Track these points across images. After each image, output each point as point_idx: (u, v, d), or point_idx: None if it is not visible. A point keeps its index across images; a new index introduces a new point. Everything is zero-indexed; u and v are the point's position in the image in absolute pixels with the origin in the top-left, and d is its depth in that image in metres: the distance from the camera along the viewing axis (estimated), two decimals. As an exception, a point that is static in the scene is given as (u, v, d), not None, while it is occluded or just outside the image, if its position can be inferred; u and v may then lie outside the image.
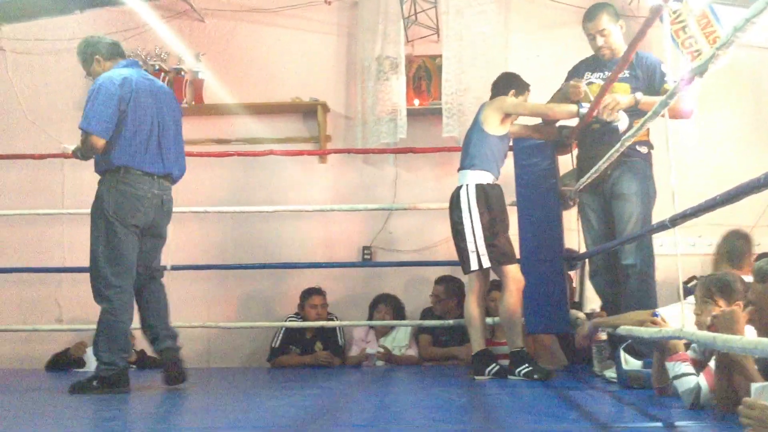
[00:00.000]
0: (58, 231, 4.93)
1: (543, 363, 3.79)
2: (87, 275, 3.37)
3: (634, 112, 3.46)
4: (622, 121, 3.45)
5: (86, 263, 3.38)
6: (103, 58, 3.43)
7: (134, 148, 3.30)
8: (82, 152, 3.38)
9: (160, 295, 3.55)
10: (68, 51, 5.20)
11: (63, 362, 4.57)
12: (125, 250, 3.29)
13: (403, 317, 4.63)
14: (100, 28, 5.18)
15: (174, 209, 4.37)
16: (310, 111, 5.12)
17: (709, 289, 2.43)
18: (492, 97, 3.74)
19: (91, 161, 3.42)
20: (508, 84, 3.73)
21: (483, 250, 3.49)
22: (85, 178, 3.88)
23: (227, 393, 3.40)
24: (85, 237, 3.42)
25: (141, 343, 4.71)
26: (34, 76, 5.28)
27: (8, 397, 3.32)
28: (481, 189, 3.54)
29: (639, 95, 3.48)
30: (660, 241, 3.73)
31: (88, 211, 3.40)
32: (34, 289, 5.01)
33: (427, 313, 4.58)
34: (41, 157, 4.70)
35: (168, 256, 4.40)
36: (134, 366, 4.49)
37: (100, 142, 3.23)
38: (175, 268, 4.47)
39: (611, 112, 3.43)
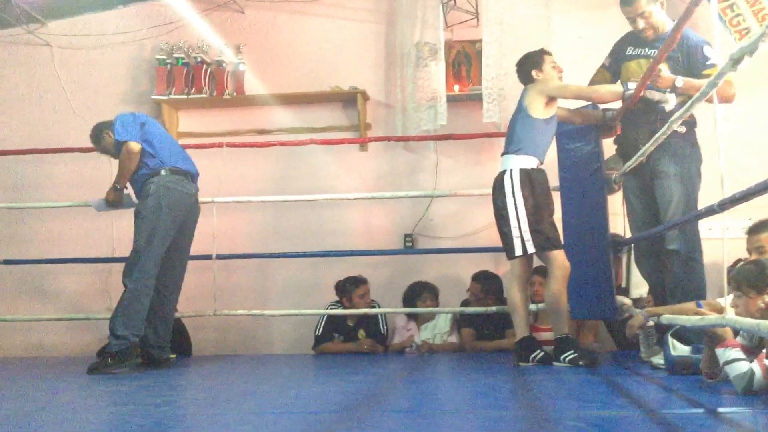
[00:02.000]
0: (106, 223, 5.05)
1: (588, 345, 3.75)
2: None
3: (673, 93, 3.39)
4: (670, 102, 3.38)
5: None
6: (111, 131, 3.91)
7: (168, 151, 3.84)
8: (122, 170, 3.82)
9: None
10: (112, 45, 5.33)
11: None
12: (164, 243, 3.74)
13: (439, 304, 4.62)
14: (142, 22, 5.30)
15: (218, 199, 4.59)
16: (349, 99, 5.13)
17: (738, 282, 2.42)
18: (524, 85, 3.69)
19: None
20: (526, 68, 3.69)
21: (528, 236, 3.46)
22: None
23: (272, 379, 3.46)
24: (132, 228, 3.71)
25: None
26: (80, 70, 5.39)
27: (62, 383, 3.42)
28: (525, 173, 3.50)
29: (679, 80, 3.39)
30: (708, 225, 3.64)
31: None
32: (85, 279, 5.14)
33: (468, 305, 4.56)
34: (89, 150, 4.81)
35: (212, 245, 4.49)
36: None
37: (136, 146, 3.74)
38: (219, 257, 4.55)
39: (663, 85, 3.35)
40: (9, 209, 5.00)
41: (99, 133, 4.01)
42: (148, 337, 3.83)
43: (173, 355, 4.23)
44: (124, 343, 3.61)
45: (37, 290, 5.20)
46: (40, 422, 2.29)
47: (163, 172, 3.79)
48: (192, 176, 3.96)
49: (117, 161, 3.88)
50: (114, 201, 3.96)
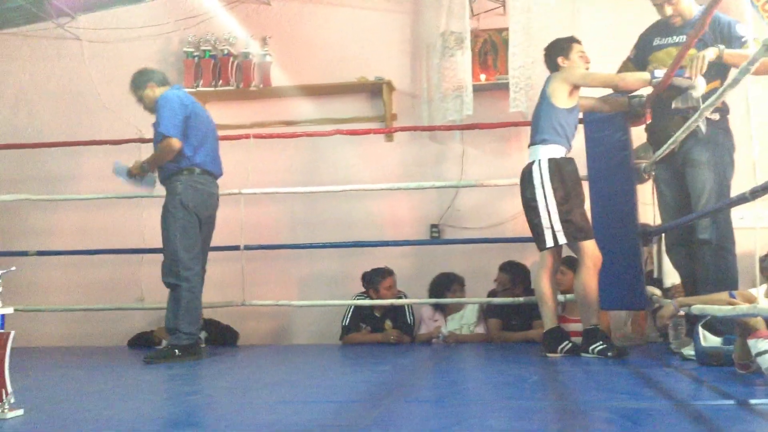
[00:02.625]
0: (136, 214, 5.11)
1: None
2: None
3: (719, 70, 3.31)
4: (698, 88, 3.32)
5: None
6: (156, 85, 3.94)
7: (203, 151, 3.87)
8: (157, 158, 3.84)
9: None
10: (141, 39, 5.38)
11: (144, 341, 4.75)
12: (197, 238, 3.84)
13: (465, 295, 4.61)
14: (170, 15, 5.34)
15: (245, 191, 4.62)
16: (375, 90, 5.13)
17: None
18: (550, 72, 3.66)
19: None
20: (552, 56, 3.65)
21: (558, 227, 3.43)
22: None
23: (300, 369, 3.48)
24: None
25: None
26: (110, 64, 5.45)
27: (95, 372, 3.48)
28: (554, 163, 3.47)
29: (722, 47, 3.31)
30: (740, 214, 3.58)
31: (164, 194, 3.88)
32: (116, 270, 5.22)
33: (494, 295, 4.54)
34: (118, 142, 4.89)
35: (240, 236, 4.53)
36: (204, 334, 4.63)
37: (178, 144, 3.75)
38: (247, 247, 4.58)
39: (698, 71, 3.28)
40: (42, 201, 5.08)
41: (142, 80, 3.97)
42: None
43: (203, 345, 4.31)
44: (192, 337, 3.75)
45: (69, 281, 5.29)
46: (73, 410, 2.33)
47: (192, 171, 3.84)
48: (217, 176, 4.02)
49: (150, 146, 3.89)
50: (136, 176, 3.95)
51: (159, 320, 4.84)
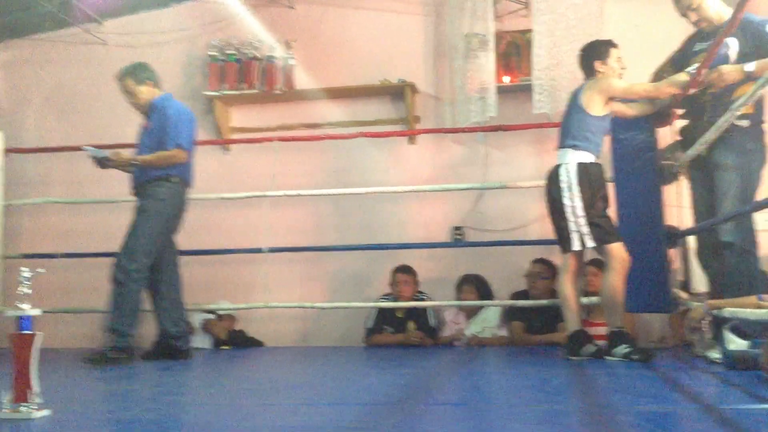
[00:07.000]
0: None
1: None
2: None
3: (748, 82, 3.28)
4: (731, 47, 3.28)
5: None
6: (153, 85, 3.96)
7: (189, 163, 3.90)
8: (157, 164, 3.80)
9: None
10: (166, 43, 5.44)
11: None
12: (159, 246, 3.82)
13: (490, 297, 4.59)
14: (195, 20, 5.40)
15: (269, 193, 4.63)
16: (398, 92, 5.13)
17: None
18: (586, 77, 3.62)
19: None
20: (589, 59, 3.60)
21: (585, 230, 3.40)
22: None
23: (324, 371, 3.49)
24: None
25: (240, 324, 4.92)
26: (136, 68, 5.50)
27: (111, 373, 3.52)
28: (583, 168, 3.44)
29: (748, 66, 3.28)
30: (765, 217, 3.52)
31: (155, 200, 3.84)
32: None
33: (518, 298, 4.52)
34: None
35: (265, 239, 4.55)
36: (229, 346, 4.66)
37: (186, 159, 3.82)
38: (272, 250, 4.62)
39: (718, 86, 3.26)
40: (68, 204, 5.15)
41: (143, 75, 3.95)
42: (170, 331, 3.89)
43: (227, 346, 4.32)
44: (131, 339, 3.70)
45: (95, 282, 5.32)
46: (99, 410, 2.36)
47: (175, 180, 3.85)
48: (191, 186, 4.01)
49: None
50: (114, 168, 3.89)
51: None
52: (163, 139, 3.81)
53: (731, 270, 3.35)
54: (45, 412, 2.07)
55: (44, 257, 4.85)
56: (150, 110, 3.95)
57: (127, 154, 3.88)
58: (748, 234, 3.35)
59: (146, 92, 3.94)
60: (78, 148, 5.09)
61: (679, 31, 3.82)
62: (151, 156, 3.83)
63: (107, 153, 3.88)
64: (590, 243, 3.42)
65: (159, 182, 3.83)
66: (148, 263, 3.77)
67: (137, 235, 3.76)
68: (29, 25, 5.53)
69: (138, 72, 3.97)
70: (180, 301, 3.99)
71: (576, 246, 3.43)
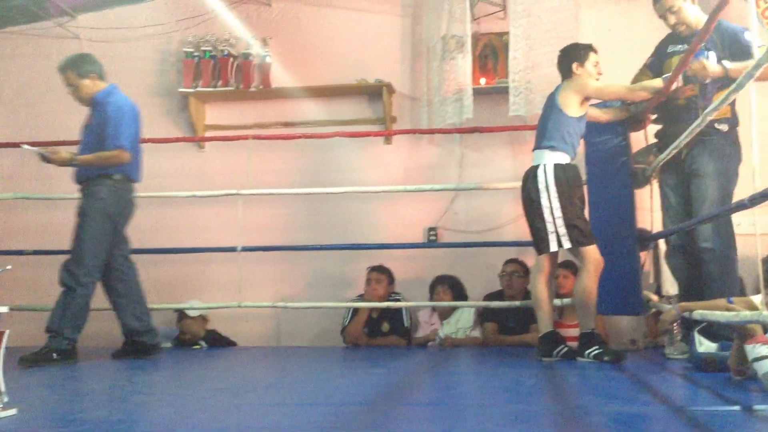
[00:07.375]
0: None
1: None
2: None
3: (724, 83, 3.32)
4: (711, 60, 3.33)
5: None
6: (97, 77, 3.83)
7: (133, 159, 3.75)
8: (97, 164, 3.68)
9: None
10: (140, 39, 5.38)
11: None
12: (107, 246, 3.73)
13: (464, 298, 4.60)
14: (170, 15, 5.34)
15: (243, 191, 4.57)
16: (375, 92, 5.12)
17: None
18: (563, 78, 3.65)
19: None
20: (567, 61, 3.63)
21: (563, 231, 3.42)
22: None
23: (297, 371, 3.47)
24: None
25: (212, 323, 4.88)
26: (109, 63, 5.37)
27: (91, 372, 3.46)
28: (559, 169, 3.46)
29: (727, 63, 3.33)
30: (737, 220, 3.58)
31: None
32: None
33: (492, 299, 4.53)
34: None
35: (238, 237, 4.52)
36: (205, 344, 4.62)
37: (128, 159, 3.68)
38: (245, 249, 4.58)
39: (701, 78, 3.29)
40: (39, 199, 5.07)
41: (86, 68, 3.80)
42: (134, 327, 3.84)
43: (199, 345, 4.27)
44: (73, 342, 3.63)
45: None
46: (67, 410, 2.32)
47: (117, 177, 3.74)
48: (136, 182, 3.90)
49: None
50: (52, 163, 3.73)
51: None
52: (104, 137, 3.68)
53: (712, 275, 3.38)
54: (11, 412, 2.04)
55: (13, 254, 4.77)
56: (92, 105, 3.82)
57: (65, 152, 3.72)
58: (727, 239, 3.40)
59: (89, 86, 3.80)
60: (49, 144, 5.04)
61: (652, 37, 3.86)
62: (92, 156, 3.71)
63: (44, 151, 3.72)
64: (567, 244, 3.44)
65: (100, 180, 3.72)
66: (98, 265, 3.70)
67: (82, 239, 3.67)
68: (0, 19, 5.43)
69: (80, 64, 3.82)
70: (140, 295, 3.91)
71: (553, 247, 3.45)
